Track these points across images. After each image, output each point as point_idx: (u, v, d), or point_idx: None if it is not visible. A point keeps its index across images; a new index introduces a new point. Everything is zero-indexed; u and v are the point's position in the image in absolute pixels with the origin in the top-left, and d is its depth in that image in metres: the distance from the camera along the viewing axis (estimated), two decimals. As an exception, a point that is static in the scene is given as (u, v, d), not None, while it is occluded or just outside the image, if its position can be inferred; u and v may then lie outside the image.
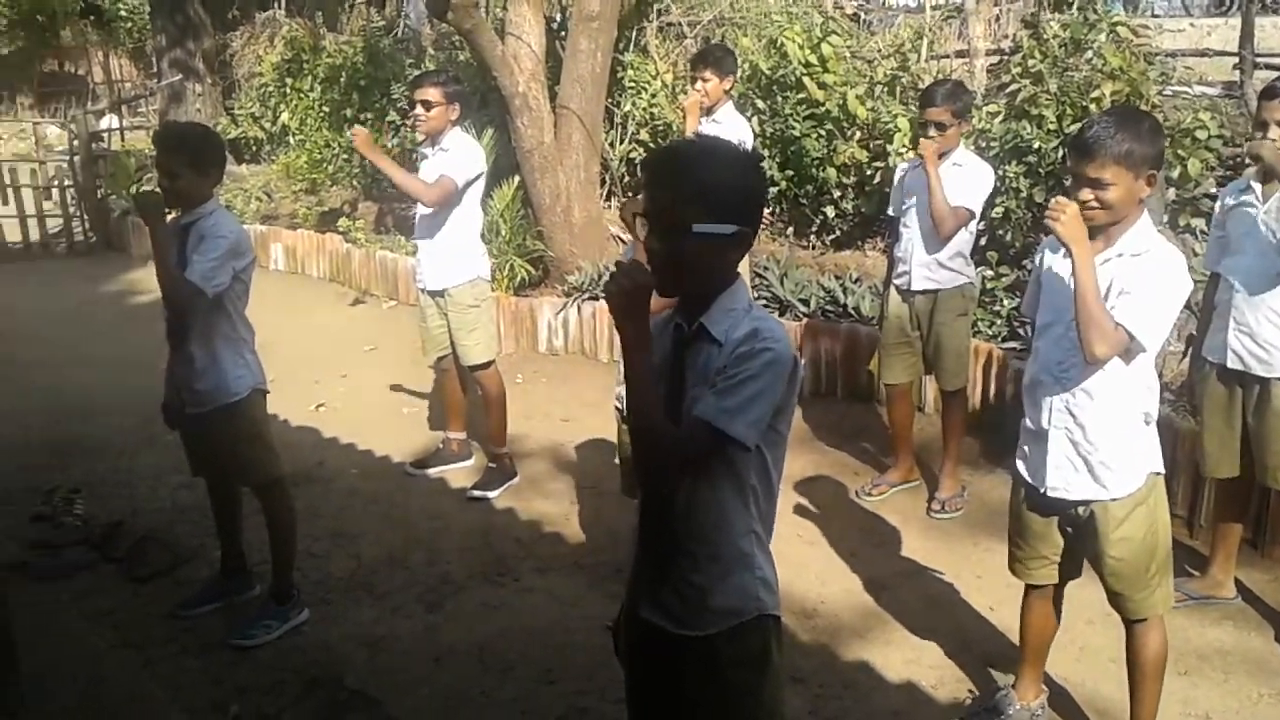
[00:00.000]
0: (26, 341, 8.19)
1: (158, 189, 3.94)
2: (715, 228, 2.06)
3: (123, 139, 13.52)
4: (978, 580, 4.27)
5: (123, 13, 17.64)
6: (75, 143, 12.83)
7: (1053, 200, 2.87)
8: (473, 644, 3.95)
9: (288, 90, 12.14)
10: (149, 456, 5.65)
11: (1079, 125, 3.08)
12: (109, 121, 14.53)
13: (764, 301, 6.49)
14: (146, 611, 4.22)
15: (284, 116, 12.19)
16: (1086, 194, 2.86)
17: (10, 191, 12.35)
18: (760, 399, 2.04)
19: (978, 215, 4.81)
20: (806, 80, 7.61)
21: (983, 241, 6.26)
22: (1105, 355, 2.85)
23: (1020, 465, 3.18)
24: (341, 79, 11.24)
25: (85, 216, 12.53)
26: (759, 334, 2.06)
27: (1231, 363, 3.83)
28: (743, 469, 2.13)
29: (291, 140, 12.16)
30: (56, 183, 12.82)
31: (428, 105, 5.11)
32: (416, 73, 8.11)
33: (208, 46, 13.56)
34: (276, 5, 14.14)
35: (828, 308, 6.55)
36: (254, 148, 13.40)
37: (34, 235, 12.34)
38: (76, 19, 19.02)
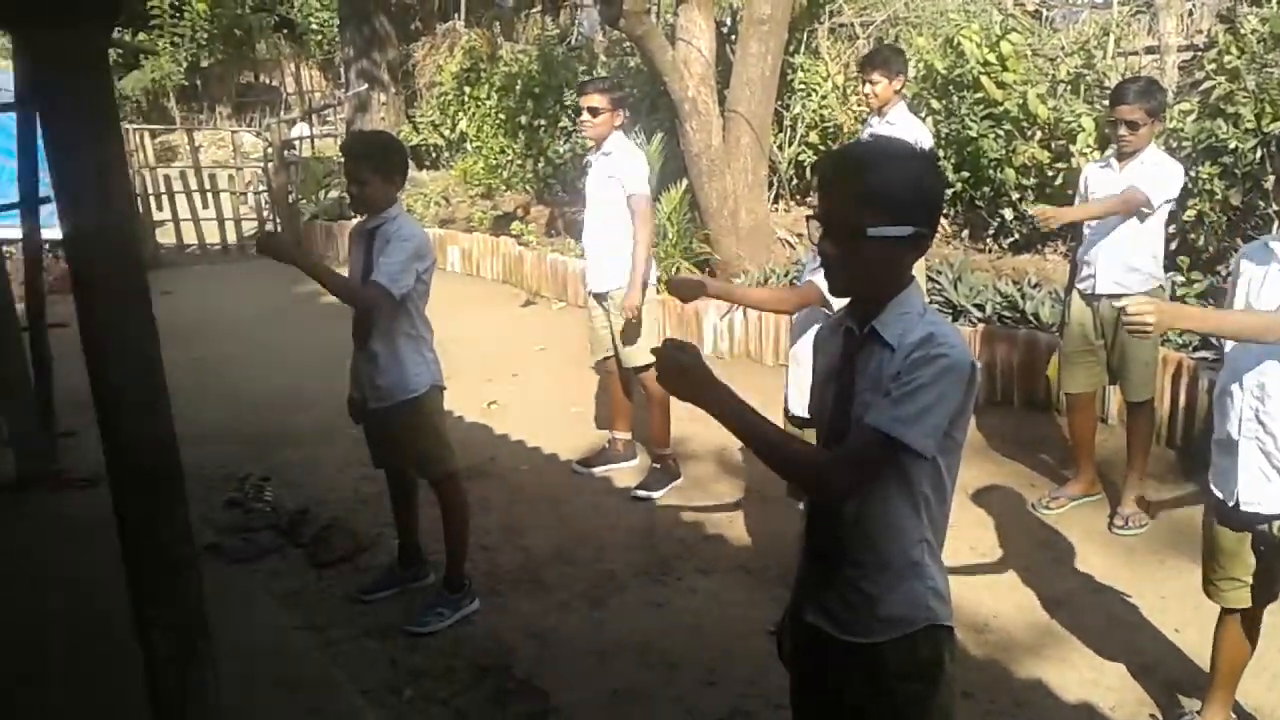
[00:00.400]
0: (224, 338, 8.73)
1: (270, 231, 4.11)
2: (890, 230, 2.02)
3: (313, 146, 14.23)
4: (1162, 600, 4.06)
5: (314, 26, 18.57)
6: (269, 150, 13.60)
7: (1127, 311, 2.69)
8: (636, 641, 3.99)
9: (466, 98, 12.55)
10: (334, 448, 5.92)
11: (1282, 124, 2.92)
12: (300, 130, 15.33)
13: (937, 306, 6.33)
14: (329, 595, 4.43)
15: (462, 124, 12.61)
16: None
17: (210, 196, 13.20)
18: (937, 407, 1.98)
19: (1155, 208, 4.56)
20: (984, 79, 7.41)
21: (1174, 245, 5.96)
22: None
23: (1211, 480, 3.04)
24: (517, 87, 11.54)
25: (277, 220, 13.26)
26: (934, 339, 2.01)
27: None
28: (915, 477, 2.08)
29: (469, 146, 12.57)
30: (251, 188, 13.62)
31: (594, 111, 5.21)
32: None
33: (392, 57, 14.11)
34: (456, 16, 14.63)
35: (1004, 313, 6.35)
36: (434, 154, 13.90)
37: (230, 238, 13.14)
38: (271, 33, 20.13)
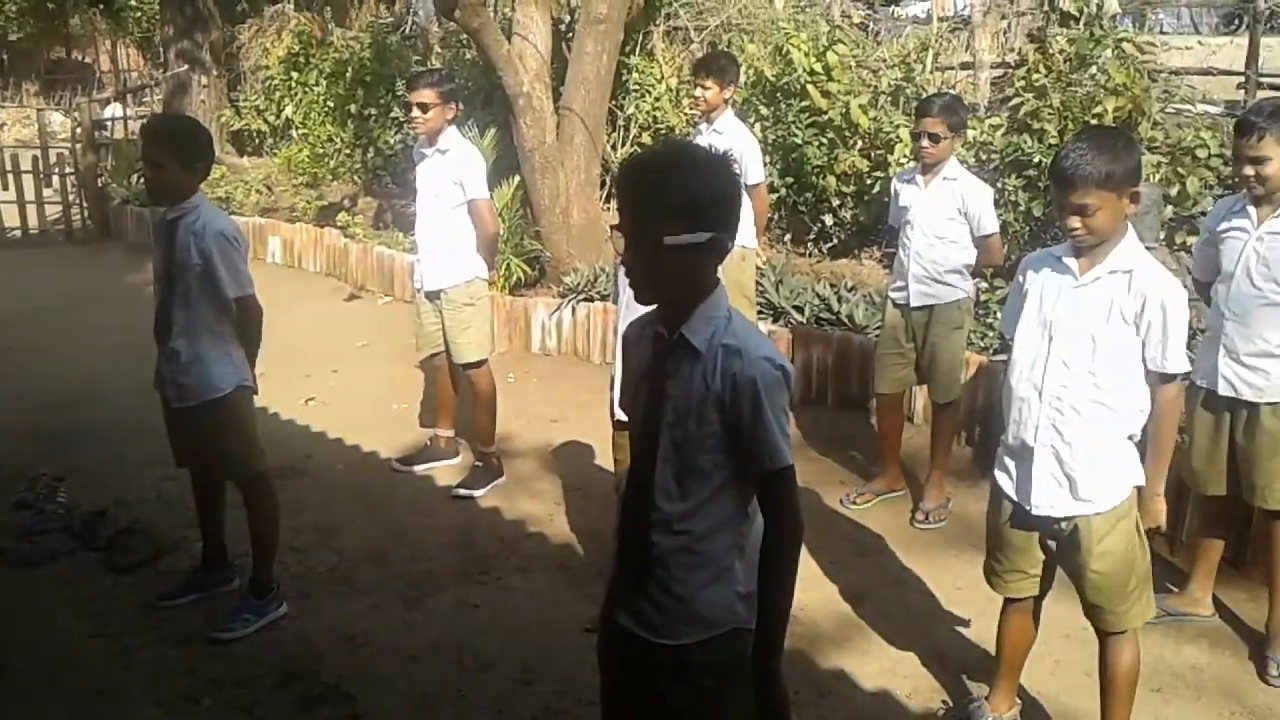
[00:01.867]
0: (20, 328, 8.20)
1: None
2: (686, 238, 2.04)
3: (126, 128, 13.51)
4: (957, 591, 4.25)
5: (132, 2, 17.63)
6: (78, 131, 12.85)
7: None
8: (451, 642, 3.94)
9: (292, 84, 12.15)
10: (137, 447, 5.60)
11: (1054, 155, 3.10)
12: (113, 110, 14.55)
13: (759, 308, 6.47)
14: (126, 601, 4.22)
15: (288, 110, 12.20)
16: (1075, 222, 2.89)
17: (11, 178, 12.37)
18: (781, 419, 2.13)
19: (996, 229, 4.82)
20: (810, 88, 7.62)
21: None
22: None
23: (1002, 480, 3.15)
24: (347, 74, 11.24)
25: (85, 204, 12.53)
26: (746, 355, 2.07)
27: (1223, 389, 3.77)
28: (749, 485, 2.16)
29: (294, 134, 12.17)
30: (57, 170, 12.83)
31: (424, 108, 5.10)
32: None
33: (215, 38, 13.55)
34: (286, -1, 14.14)
35: (822, 315, 6.54)
36: (256, 140, 13.42)
37: (33, 222, 12.34)
38: (86, 7, 19.01)
